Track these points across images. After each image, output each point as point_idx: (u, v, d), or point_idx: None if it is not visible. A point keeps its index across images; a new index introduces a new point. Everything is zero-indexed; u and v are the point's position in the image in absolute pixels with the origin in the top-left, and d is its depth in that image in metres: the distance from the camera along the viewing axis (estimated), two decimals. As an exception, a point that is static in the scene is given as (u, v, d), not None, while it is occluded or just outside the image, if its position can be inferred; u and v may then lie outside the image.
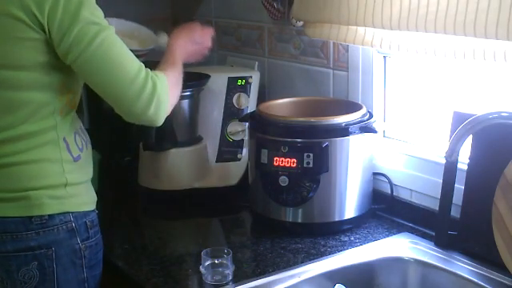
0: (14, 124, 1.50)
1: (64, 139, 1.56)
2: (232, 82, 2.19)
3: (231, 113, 2.18)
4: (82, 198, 1.60)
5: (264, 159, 1.82)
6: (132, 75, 1.51)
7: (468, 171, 1.67)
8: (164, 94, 1.55)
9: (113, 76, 1.50)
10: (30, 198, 1.51)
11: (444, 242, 1.69)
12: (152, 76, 1.54)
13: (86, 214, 1.59)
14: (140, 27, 1.96)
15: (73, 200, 1.56)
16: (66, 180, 1.55)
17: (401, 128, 1.97)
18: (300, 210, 1.82)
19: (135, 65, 1.52)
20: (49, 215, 1.52)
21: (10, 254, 1.51)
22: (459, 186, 1.68)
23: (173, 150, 2.10)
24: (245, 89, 2.19)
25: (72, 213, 1.55)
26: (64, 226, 1.54)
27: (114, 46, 1.49)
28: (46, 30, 1.44)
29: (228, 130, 2.18)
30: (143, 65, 1.55)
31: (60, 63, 1.51)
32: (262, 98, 2.24)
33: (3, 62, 1.47)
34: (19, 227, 1.51)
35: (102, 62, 1.48)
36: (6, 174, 1.51)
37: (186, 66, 1.71)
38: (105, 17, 1.51)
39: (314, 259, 1.68)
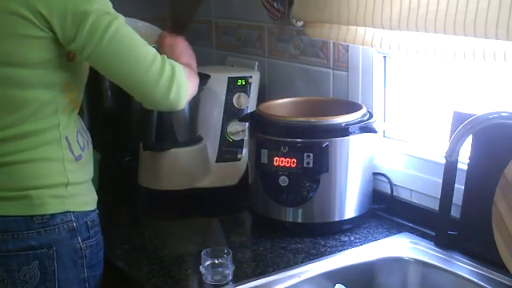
0: (16, 122, 1.50)
1: (66, 138, 1.56)
2: (232, 82, 2.19)
3: (231, 113, 2.18)
4: (82, 197, 1.60)
5: (264, 159, 1.82)
6: (149, 61, 1.51)
7: (468, 171, 1.67)
8: (182, 77, 1.55)
9: (130, 64, 1.50)
10: (31, 197, 1.51)
11: (444, 242, 1.69)
12: (169, 60, 1.54)
13: (86, 213, 1.59)
14: (149, 26, 1.97)
15: (74, 199, 1.56)
16: (67, 179, 1.55)
17: (401, 128, 1.97)
18: (300, 210, 1.82)
19: (150, 51, 1.53)
20: (50, 214, 1.52)
21: (11, 253, 1.51)
22: (459, 186, 1.68)
23: (173, 150, 2.10)
24: (245, 89, 2.19)
25: (73, 212, 1.56)
26: (65, 226, 1.54)
27: (127, 35, 1.49)
28: (55, 28, 1.43)
29: (228, 130, 2.18)
30: (157, 51, 1.55)
31: (64, 62, 1.51)
32: (262, 98, 2.24)
33: (6, 58, 1.46)
34: (20, 226, 1.51)
35: (117, 52, 1.48)
36: (7, 173, 1.51)
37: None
38: None
39: (314, 259, 1.68)
